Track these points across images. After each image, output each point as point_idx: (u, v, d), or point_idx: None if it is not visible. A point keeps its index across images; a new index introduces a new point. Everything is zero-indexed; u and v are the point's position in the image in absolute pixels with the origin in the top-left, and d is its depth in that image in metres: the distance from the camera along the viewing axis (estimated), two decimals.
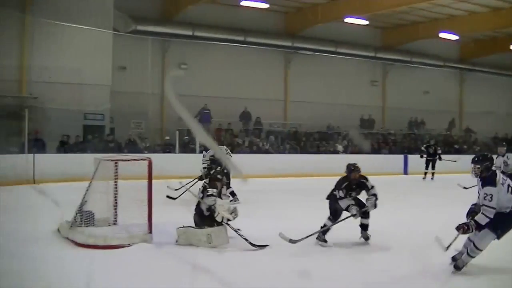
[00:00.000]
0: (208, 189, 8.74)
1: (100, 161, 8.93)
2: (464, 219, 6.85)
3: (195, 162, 14.44)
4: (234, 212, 8.58)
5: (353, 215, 8.33)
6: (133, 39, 22.86)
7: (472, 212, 6.92)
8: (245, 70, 26.19)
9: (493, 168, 7.07)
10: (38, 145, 18.45)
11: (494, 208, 6.59)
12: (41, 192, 14.94)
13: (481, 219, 6.62)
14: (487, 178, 6.83)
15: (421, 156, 21.86)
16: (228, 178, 12.69)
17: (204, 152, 14.00)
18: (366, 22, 26.94)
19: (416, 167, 22.10)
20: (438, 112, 31.29)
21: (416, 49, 29.89)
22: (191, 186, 12.88)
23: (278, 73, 28.02)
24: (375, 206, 8.43)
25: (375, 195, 8.48)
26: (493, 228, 6.66)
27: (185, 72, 24.26)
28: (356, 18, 25.75)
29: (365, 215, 8.58)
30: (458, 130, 33.18)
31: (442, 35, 27.91)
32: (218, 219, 8.32)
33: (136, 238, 8.17)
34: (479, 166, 6.89)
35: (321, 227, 8.48)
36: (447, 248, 6.97)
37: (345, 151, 25.12)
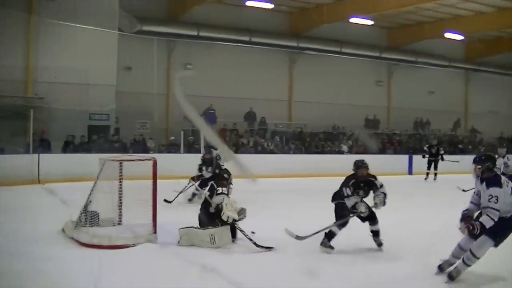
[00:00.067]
0: (217, 188, 8.81)
1: (105, 161, 8.94)
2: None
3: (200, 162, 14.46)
4: (242, 213, 8.58)
5: (361, 212, 8.00)
6: (139, 39, 22.89)
7: (467, 217, 6.63)
8: (250, 70, 26.18)
9: (496, 168, 6.97)
10: (43, 145, 18.50)
11: (499, 211, 6.29)
12: (47, 192, 15.05)
13: (486, 221, 6.30)
14: (492, 179, 6.54)
15: (423, 156, 21.76)
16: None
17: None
18: (371, 22, 26.90)
19: (421, 168, 21.97)
20: (444, 112, 31.21)
21: (422, 49, 29.81)
22: (186, 189, 12.99)
23: (283, 73, 28.01)
24: (384, 203, 8.07)
25: (384, 193, 8.13)
26: (492, 235, 6.39)
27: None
28: (361, 18, 25.72)
29: (373, 220, 8.24)
30: (463, 130, 33.11)
31: (448, 35, 27.84)
32: (224, 218, 8.33)
33: (141, 238, 8.17)
34: (480, 166, 6.65)
35: (326, 234, 8.14)
36: None
37: (350, 151, 25.06)
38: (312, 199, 14.58)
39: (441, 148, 22.06)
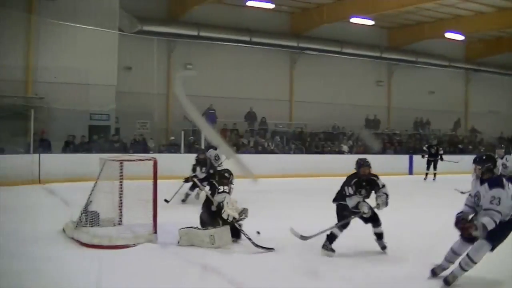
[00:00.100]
0: (219, 187, 8.84)
1: (106, 161, 8.94)
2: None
3: None
4: (244, 213, 8.58)
5: (364, 213, 7.78)
6: (139, 39, 22.89)
7: (462, 219, 6.43)
8: (251, 70, 26.19)
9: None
10: (43, 145, 18.50)
11: (501, 213, 6.07)
12: (47, 192, 15.05)
13: (489, 223, 6.04)
14: (494, 180, 6.33)
15: (423, 156, 21.72)
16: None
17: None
18: (372, 22, 26.89)
19: (421, 168, 21.91)
20: (444, 112, 31.21)
21: (422, 49, 29.82)
22: (180, 188, 13.00)
23: (284, 73, 28.01)
24: (386, 204, 7.90)
25: (386, 193, 7.96)
26: (490, 239, 6.17)
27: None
28: (362, 18, 25.71)
29: (376, 222, 8.06)
30: (463, 130, 33.10)
31: (448, 35, 27.83)
32: (224, 216, 8.34)
33: (141, 238, 8.18)
34: (480, 167, 6.43)
35: (327, 236, 7.99)
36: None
37: (350, 151, 25.06)
38: (313, 199, 14.59)
39: (441, 148, 21.97)
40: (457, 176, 19.89)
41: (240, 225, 8.54)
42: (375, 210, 7.98)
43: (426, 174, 21.52)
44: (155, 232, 8.26)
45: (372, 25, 27.53)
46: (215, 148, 13.64)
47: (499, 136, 31.83)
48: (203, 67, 23.99)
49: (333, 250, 7.92)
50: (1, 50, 19.15)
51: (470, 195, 6.65)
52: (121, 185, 8.85)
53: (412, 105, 30.43)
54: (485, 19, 25.97)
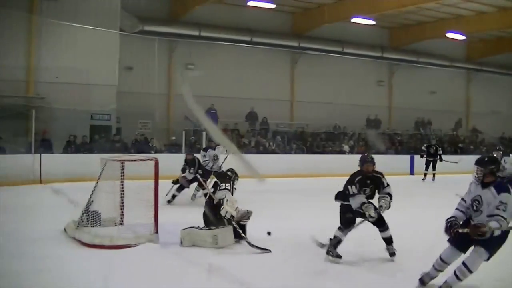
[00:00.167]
0: (221, 184, 8.87)
1: (107, 161, 8.95)
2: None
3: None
4: (247, 215, 8.58)
5: (371, 217, 7.38)
6: (140, 39, 22.91)
7: (455, 225, 6.03)
8: (252, 70, 26.19)
9: None
10: (45, 145, 18.52)
11: (506, 220, 5.72)
12: (48, 192, 15.04)
13: (495, 227, 5.69)
14: (501, 184, 5.97)
15: (422, 156, 21.64)
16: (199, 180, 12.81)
17: (203, 152, 13.92)
18: (373, 22, 26.88)
19: (423, 168, 21.85)
20: (445, 112, 31.15)
21: (423, 49, 29.82)
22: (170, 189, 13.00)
23: (285, 73, 28.02)
24: (389, 206, 7.49)
25: (389, 194, 7.57)
26: (488, 247, 5.85)
27: (191, 72, 24.32)
28: (363, 18, 25.70)
29: (382, 226, 7.63)
30: (464, 130, 33.07)
31: (449, 35, 27.82)
32: (222, 213, 8.32)
33: (142, 238, 8.18)
34: (482, 169, 6.01)
35: (330, 239, 7.67)
36: None
37: (352, 151, 25.05)
38: (314, 199, 14.60)
39: (440, 148, 21.83)
40: (457, 176, 19.90)
41: (243, 226, 8.55)
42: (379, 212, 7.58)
43: (425, 174, 21.39)
44: (157, 232, 8.26)
45: (373, 25, 27.52)
46: (214, 149, 13.63)
47: (501, 136, 31.84)
48: (204, 67, 24.03)
49: (339, 256, 7.53)
50: (2, 50, 19.17)
51: (463, 199, 6.28)
52: (122, 185, 8.84)
53: (413, 105, 30.36)
54: (486, 19, 25.95)
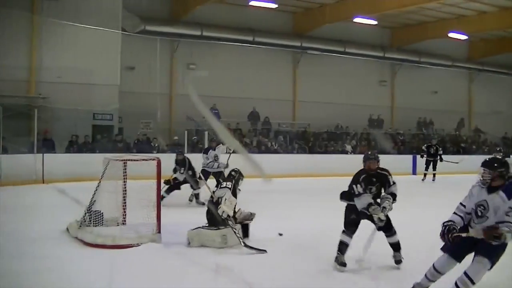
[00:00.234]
0: (223, 182, 8.88)
1: (109, 161, 8.95)
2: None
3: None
4: (251, 217, 8.56)
5: (380, 221, 6.95)
6: (142, 39, 22.94)
7: (453, 230, 5.50)
8: (254, 70, 26.22)
9: None
10: (47, 145, 18.51)
11: None
12: (50, 192, 15.07)
13: (508, 236, 5.26)
14: (510, 188, 5.43)
15: (422, 156, 21.57)
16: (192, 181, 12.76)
17: (204, 154, 13.82)
18: (375, 22, 26.88)
19: (424, 168, 21.84)
20: (447, 112, 31.19)
21: (425, 49, 29.82)
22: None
23: (287, 73, 28.03)
24: (391, 208, 7.05)
25: (393, 194, 7.13)
26: (491, 256, 5.39)
27: (193, 72, 24.33)
28: (365, 18, 25.69)
29: (389, 230, 7.15)
30: (467, 130, 33.05)
31: (451, 34, 27.79)
32: (219, 212, 8.28)
33: (145, 238, 8.17)
34: (491, 171, 5.50)
35: (338, 246, 7.15)
36: None
37: (354, 151, 25.03)
38: (316, 199, 14.61)
39: (440, 148, 21.65)
40: (458, 176, 19.92)
41: (247, 225, 8.55)
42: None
43: (425, 174, 21.24)
44: (159, 232, 8.25)
45: (375, 25, 27.53)
46: (214, 149, 13.59)
47: (503, 136, 31.82)
48: (206, 67, 24.07)
49: (343, 264, 7.05)
50: (4, 50, 19.22)
51: (461, 204, 5.79)
52: (124, 184, 8.85)
53: (415, 105, 30.40)
54: (488, 18, 25.93)
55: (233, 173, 9.17)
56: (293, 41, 26.96)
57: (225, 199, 8.39)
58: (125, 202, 8.87)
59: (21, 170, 16.32)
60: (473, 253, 5.54)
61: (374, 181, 7.17)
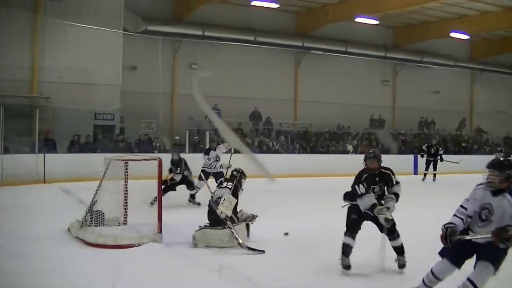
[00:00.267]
0: (223, 183, 8.85)
1: (111, 160, 8.95)
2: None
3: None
4: (252, 218, 8.55)
5: (387, 222, 6.66)
6: (144, 39, 22.95)
7: (455, 232, 5.16)
8: (255, 70, 26.24)
9: None
10: (48, 145, 18.53)
11: None
12: (52, 191, 15.08)
13: None
14: None
15: (422, 156, 21.54)
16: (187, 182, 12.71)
17: (205, 155, 13.73)
18: (377, 22, 26.85)
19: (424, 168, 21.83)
20: (449, 112, 31.17)
21: (427, 48, 29.78)
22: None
23: (289, 73, 28.02)
24: (393, 208, 6.79)
25: (396, 194, 6.89)
26: (494, 261, 5.14)
27: (195, 72, 24.34)
28: (367, 18, 25.66)
29: (392, 233, 6.87)
30: (468, 130, 33.01)
31: (453, 34, 27.75)
32: (218, 212, 8.25)
33: (146, 238, 8.17)
34: (499, 173, 5.18)
35: (342, 248, 6.89)
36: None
37: (355, 151, 25.02)
38: (317, 199, 14.61)
39: (441, 148, 21.55)
40: (458, 176, 19.90)
41: (247, 225, 8.53)
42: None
43: (425, 174, 21.13)
44: (160, 231, 8.25)
45: (377, 24, 27.51)
46: (215, 149, 13.54)
47: (505, 136, 31.79)
48: (208, 67, 24.05)
49: (347, 267, 6.83)
50: (6, 50, 19.25)
51: (462, 206, 5.43)
52: (126, 184, 8.85)
53: (417, 105, 30.39)
54: (490, 18, 25.89)
55: (234, 173, 9.14)
56: (295, 41, 26.93)
57: (224, 199, 8.34)
58: (126, 202, 8.87)
59: (23, 170, 16.33)
60: (471, 258, 5.33)
61: (377, 180, 6.93)
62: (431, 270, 5.49)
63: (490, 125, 32.29)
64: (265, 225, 8.90)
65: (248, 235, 8.55)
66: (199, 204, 12.62)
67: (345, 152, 24.87)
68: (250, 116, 25.66)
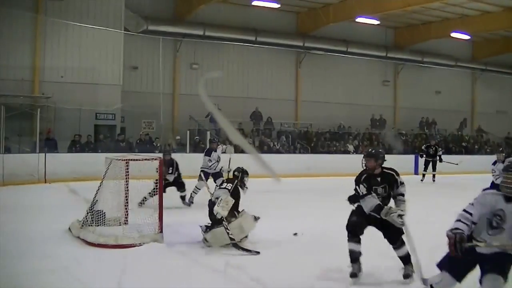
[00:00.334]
0: (223, 183, 8.80)
1: (111, 160, 8.95)
2: None
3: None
4: (255, 220, 8.54)
5: (400, 222, 6.22)
6: (145, 39, 22.99)
7: (465, 239, 4.63)
8: (256, 70, 26.28)
9: (494, 175, 5.64)
10: (49, 145, 18.53)
11: None
12: (53, 191, 15.08)
13: None
14: None
15: (421, 156, 21.49)
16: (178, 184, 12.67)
17: (207, 157, 13.66)
18: (378, 22, 26.83)
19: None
20: (450, 112, 31.18)
21: (428, 48, 29.77)
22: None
23: (289, 73, 28.01)
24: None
25: (402, 195, 6.54)
26: (503, 272, 4.71)
27: (196, 72, 24.39)
28: (368, 18, 25.64)
29: (395, 241, 6.46)
30: (469, 130, 33.00)
31: (454, 34, 27.68)
32: (214, 212, 8.23)
33: (147, 238, 8.17)
34: None
35: (349, 255, 6.54)
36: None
37: (356, 151, 25.01)
38: (318, 199, 14.59)
39: (440, 149, 21.44)
40: (458, 176, 19.85)
41: (225, 224, 8.52)
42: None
43: (423, 175, 20.93)
44: (161, 231, 8.25)
45: (378, 24, 27.49)
46: (215, 150, 13.49)
47: (506, 136, 31.77)
48: (209, 67, 24.12)
49: (354, 275, 6.50)
50: (7, 50, 19.31)
51: (467, 211, 4.87)
52: (127, 184, 8.84)
53: (418, 105, 30.40)
54: (491, 18, 25.87)
55: (236, 173, 9.08)
56: (296, 41, 26.93)
57: (221, 199, 8.32)
58: (127, 202, 8.86)
59: (24, 169, 16.35)
60: (471, 271, 4.91)
61: (379, 181, 6.51)
62: (430, 286, 5.07)
63: (491, 125, 32.29)
64: (266, 225, 8.89)
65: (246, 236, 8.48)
66: (189, 205, 12.63)
67: (346, 152, 24.85)
68: (251, 116, 25.65)
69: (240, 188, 8.75)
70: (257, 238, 8.49)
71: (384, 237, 6.53)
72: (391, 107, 31.14)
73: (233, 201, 8.35)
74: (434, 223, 9.05)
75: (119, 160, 8.95)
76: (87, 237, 8.27)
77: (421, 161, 21.75)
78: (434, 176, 20.78)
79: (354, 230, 6.50)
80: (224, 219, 8.13)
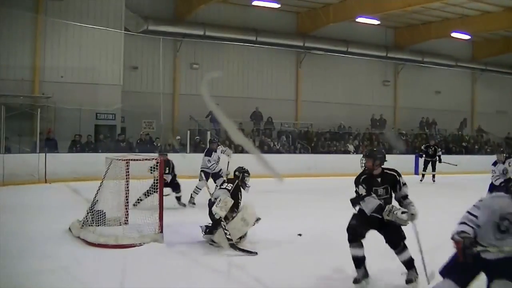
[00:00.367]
0: (224, 183, 8.80)
1: (112, 160, 8.95)
2: None
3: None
4: (256, 221, 8.53)
5: (409, 220, 6.08)
6: (145, 39, 23.00)
7: (473, 244, 4.37)
8: (257, 70, 26.29)
9: (494, 176, 5.48)
10: (50, 145, 18.52)
11: None
12: (53, 191, 15.08)
13: None
14: None
15: (421, 156, 21.48)
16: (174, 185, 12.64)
17: (207, 157, 13.63)
18: (378, 22, 26.80)
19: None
20: (450, 112, 31.18)
21: (428, 48, 29.76)
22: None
23: (290, 73, 28.00)
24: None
25: (408, 197, 6.35)
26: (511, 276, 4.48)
27: (196, 72, 24.40)
28: (368, 18, 25.61)
29: (396, 246, 6.31)
30: (470, 130, 32.99)
31: (454, 34, 27.66)
32: (213, 211, 8.22)
33: (147, 238, 8.18)
34: None
35: (353, 261, 6.38)
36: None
37: (356, 151, 25.00)
38: (319, 199, 14.57)
39: (439, 149, 21.42)
40: (458, 176, 19.83)
41: (223, 225, 8.51)
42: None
43: (423, 175, 20.87)
44: (161, 231, 8.25)
45: (378, 24, 27.47)
46: (216, 151, 13.47)
47: (506, 136, 31.76)
48: (209, 67, 24.13)
49: (357, 280, 6.34)
50: (8, 50, 19.31)
51: (471, 214, 4.63)
52: (127, 184, 8.85)
53: (418, 105, 30.39)
54: (491, 18, 25.85)
55: (236, 173, 9.06)
56: (296, 41, 26.93)
57: (219, 200, 8.30)
58: (127, 202, 8.87)
59: (24, 169, 16.35)
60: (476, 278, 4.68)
61: (379, 182, 6.34)
62: None
63: (491, 125, 32.27)
64: (266, 225, 8.89)
65: (245, 235, 8.47)
66: (184, 205, 12.61)
67: (346, 152, 24.85)
68: (251, 116, 25.64)
69: (241, 188, 8.75)
70: (257, 238, 8.50)
71: (386, 242, 6.36)
72: (391, 107, 31.13)
73: (232, 201, 8.32)
74: (434, 223, 9.04)
75: (119, 160, 8.96)
76: (87, 237, 8.28)
77: (421, 161, 21.73)
78: (434, 176, 20.72)
79: (354, 234, 6.29)
80: (222, 220, 8.11)
